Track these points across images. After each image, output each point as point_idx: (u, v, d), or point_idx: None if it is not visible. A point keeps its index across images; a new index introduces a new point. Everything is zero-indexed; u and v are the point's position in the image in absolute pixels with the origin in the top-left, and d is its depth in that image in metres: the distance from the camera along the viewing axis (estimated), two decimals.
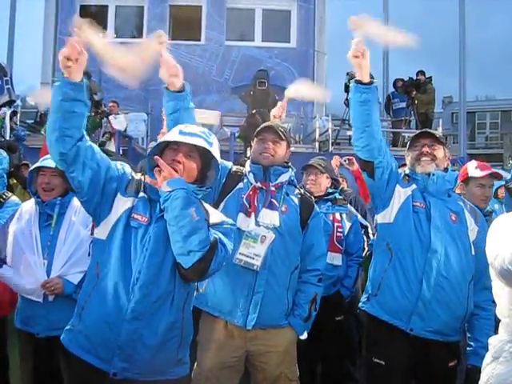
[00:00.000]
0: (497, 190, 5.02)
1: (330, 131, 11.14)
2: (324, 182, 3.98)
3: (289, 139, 2.96)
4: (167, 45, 2.38)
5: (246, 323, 2.69)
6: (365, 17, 2.52)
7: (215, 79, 13.07)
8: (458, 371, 2.81)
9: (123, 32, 13.51)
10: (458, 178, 3.35)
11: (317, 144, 11.21)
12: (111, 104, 10.27)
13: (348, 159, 5.32)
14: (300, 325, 2.82)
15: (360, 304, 2.93)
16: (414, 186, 2.84)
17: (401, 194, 2.83)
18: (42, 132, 9.64)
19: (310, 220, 2.87)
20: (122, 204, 2.13)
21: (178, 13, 13.31)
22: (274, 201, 2.78)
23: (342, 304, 3.87)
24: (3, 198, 3.52)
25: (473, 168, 3.54)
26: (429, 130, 3.10)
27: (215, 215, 2.14)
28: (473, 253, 2.76)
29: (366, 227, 4.39)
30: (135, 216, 2.11)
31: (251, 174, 2.84)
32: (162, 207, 2.03)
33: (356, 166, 5.10)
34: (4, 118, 9.02)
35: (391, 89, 12.57)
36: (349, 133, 11.15)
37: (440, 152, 2.86)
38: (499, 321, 2.10)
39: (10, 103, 9.28)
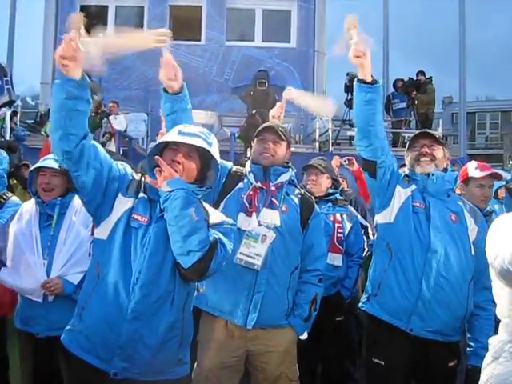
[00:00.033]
0: (497, 190, 5.02)
1: (330, 131, 11.12)
2: (324, 183, 3.98)
3: (289, 139, 2.96)
4: (168, 46, 2.37)
5: (246, 323, 2.69)
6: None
7: (215, 79, 13.07)
8: (457, 371, 2.81)
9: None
10: (458, 178, 3.35)
11: (317, 144, 11.20)
12: (111, 104, 10.27)
13: (348, 159, 5.33)
14: (300, 325, 2.82)
15: (360, 304, 2.93)
16: (413, 187, 2.85)
17: (401, 195, 2.83)
18: (42, 132, 9.65)
19: (311, 220, 2.87)
20: (123, 204, 2.13)
21: (178, 13, 13.31)
22: (274, 200, 2.78)
23: (342, 305, 3.88)
24: (4, 199, 3.52)
25: (473, 168, 3.54)
26: (428, 131, 3.10)
27: (215, 215, 2.14)
28: (472, 253, 2.76)
29: (365, 227, 4.39)
30: (135, 216, 2.11)
31: (251, 174, 2.84)
32: (161, 207, 2.04)
33: (356, 167, 5.11)
34: (4, 119, 9.02)
35: (391, 89, 12.55)
36: (349, 133, 11.17)
37: (439, 152, 2.86)
38: (499, 321, 2.10)
39: (10, 103, 9.29)
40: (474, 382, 2.16)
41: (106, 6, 13.30)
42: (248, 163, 2.91)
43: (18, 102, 10.36)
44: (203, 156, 2.15)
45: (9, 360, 3.24)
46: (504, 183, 5.29)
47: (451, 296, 2.69)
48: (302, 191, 2.99)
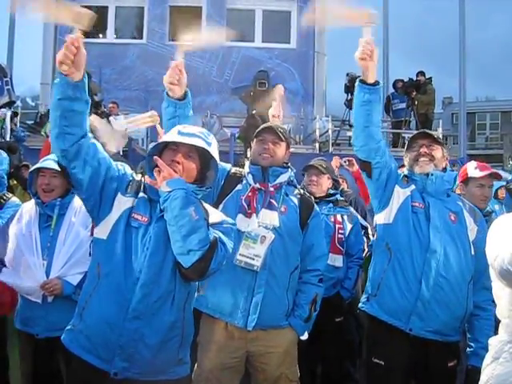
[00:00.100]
0: (497, 190, 5.03)
1: (330, 132, 11.13)
2: (325, 183, 3.98)
3: (288, 140, 2.96)
4: (183, 54, 2.39)
5: (246, 324, 2.69)
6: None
7: (215, 80, 13.06)
8: (457, 371, 2.81)
9: (123, 33, 13.52)
10: (458, 178, 3.35)
11: (317, 145, 11.20)
12: (111, 105, 10.26)
13: (348, 160, 5.34)
14: (300, 325, 2.82)
15: (360, 304, 2.94)
16: (412, 187, 2.85)
17: (400, 195, 2.84)
18: (42, 133, 9.65)
19: (310, 220, 2.87)
20: (123, 204, 2.13)
21: (178, 13, 13.30)
22: (273, 201, 2.79)
23: (342, 305, 3.88)
24: (4, 199, 3.53)
25: (472, 168, 3.54)
26: (426, 131, 3.10)
27: (215, 214, 2.15)
28: (472, 253, 2.76)
29: (365, 228, 4.39)
30: (135, 216, 2.12)
31: (250, 175, 2.84)
32: (161, 207, 2.04)
33: (356, 167, 5.11)
34: (4, 119, 9.02)
35: (391, 90, 12.55)
36: (349, 133, 11.14)
37: (438, 152, 2.86)
38: (499, 321, 2.10)
39: (9, 104, 9.29)
40: (474, 383, 2.16)
41: (106, 7, 13.30)
42: (247, 164, 2.91)
43: (18, 103, 10.36)
44: (203, 156, 2.15)
45: (9, 360, 3.25)
46: (504, 183, 5.30)
47: (451, 296, 2.69)
48: (302, 191, 2.99)
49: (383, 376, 2.74)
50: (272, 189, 2.81)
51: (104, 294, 2.06)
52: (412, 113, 11.69)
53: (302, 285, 2.86)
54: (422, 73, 11.98)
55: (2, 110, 9.07)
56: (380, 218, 2.90)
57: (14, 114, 9.57)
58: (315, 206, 2.96)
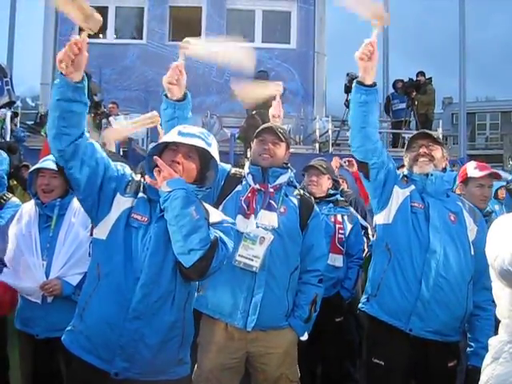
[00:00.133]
0: (497, 190, 5.04)
1: (330, 132, 11.13)
2: (325, 183, 3.98)
3: (288, 140, 2.96)
4: (185, 55, 2.40)
5: (246, 325, 2.69)
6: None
7: (215, 80, 13.06)
8: (457, 371, 2.81)
9: (123, 33, 13.53)
10: (458, 178, 3.35)
11: (317, 145, 11.20)
12: (111, 105, 10.26)
13: (348, 161, 5.34)
14: (300, 326, 2.82)
15: (360, 305, 2.93)
16: (412, 187, 2.85)
17: (399, 195, 2.84)
18: (42, 133, 9.65)
19: (310, 221, 2.87)
20: (122, 204, 2.13)
21: (178, 14, 13.31)
22: (272, 202, 2.78)
23: (342, 305, 3.88)
24: (4, 200, 3.52)
25: (472, 168, 3.55)
26: (426, 131, 3.11)
27: (215, 214, 2.15)
28: (472, 253, 2.76)
29: (365, 228, 4.39)
30: (135, 216, 2.12)
31: (250, 176, 2.84)
32: (162, 207, 2.04)
33: (355, 168, 5.11)
34: (4, 120, 9.02)
35: (391, 90, 12.55)
36: (349, 134, 11.14)
37: (438, 152, 2.86)
38: (499, 321, 2.10)
39: (10, 104, 9.29)
40: (474, 383, 2.16)
41: (106, 7, 13.30)
42: (247, 164, 2.91)
43: (18, 103, 10.35)
44: (203, 156, 2.15)
45: (9, 360, 3.25)
46: (504, 183, 5.31)
47: (450, 296, 2.69)
48: (302, 192, 2.99)
49: (383, 376, 2.74)
50: (272, 190, 2.81)
51: (104, 294, 2.05)
52: (412, 113, 11.68)
53: (302, 285, 2.85)
54: (421, 73, 11.97)
55: (2, 110, 9.07)
56: (379, 219, 2.90)
57: (14, 115, 9.57)
58: (315, 206, 2.95)
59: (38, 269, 2.83)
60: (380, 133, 11.12)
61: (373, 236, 3.96)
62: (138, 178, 2.23)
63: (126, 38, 13.49)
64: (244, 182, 2.83)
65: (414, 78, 11.87)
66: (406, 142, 3.02)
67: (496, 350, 2.02)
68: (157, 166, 2.03)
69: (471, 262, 2.75)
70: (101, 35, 12.90)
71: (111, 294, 2.04)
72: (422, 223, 2.76)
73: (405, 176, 2.90)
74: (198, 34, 13.24)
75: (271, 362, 2.76)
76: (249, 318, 2.69)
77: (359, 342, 3.84)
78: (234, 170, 2.89)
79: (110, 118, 9.87)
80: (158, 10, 13.22)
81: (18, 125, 9.87)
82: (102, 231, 2.13)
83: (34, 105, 14.21)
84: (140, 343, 2.04)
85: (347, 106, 10.76)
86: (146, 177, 2.15)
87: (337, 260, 3.84)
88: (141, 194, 2.16)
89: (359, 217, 4.27)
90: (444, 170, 2.88)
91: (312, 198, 3.04)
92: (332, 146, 10.97)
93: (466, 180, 3.53)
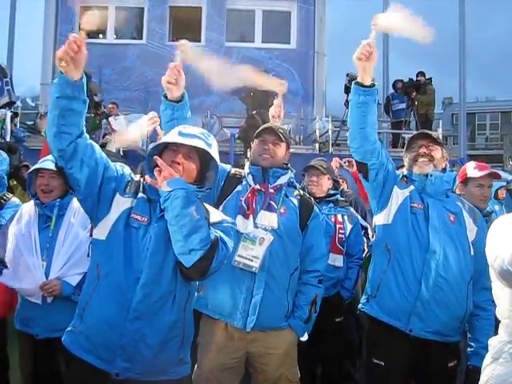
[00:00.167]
0: (497, 190, 5.04)
1: (330, 132, 11.14)
2: (326, 183, 3.98)
3: (288, 141, 2.96)
4: (181, 56, 2.40)
5: (245, 325, 2.69)
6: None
7: None
8: (457, 371, 2.81)
9: (123, 33, 13.52)
10: (457, 178, 3.35)
11: (317, 145, 11.21)
12: (111, 105, 10.27)
13: (348, 161, 5.34)
14: (300, 326, 2.82)
15: (359, 305, 2.93)
16: (411, 187, 2.85)
17: (398, 196, 2.83)
18: (42, 133, 9.65)
19: (310, 221, 2.86)
20: (121, 204, 2.13)
21: (178, 14, 13.32)
22: (272, 203, 2.78)
23: (342, 305, 3.88)
24: (4, 200, 3.52)
25: (471, 168, 3.55)
26: (426, 131, 3.10)
27: (215, 214, 2.15)
28: (472, 253, 2.76)
29: (365, 228, 4.39)
30: (134, 216, 2.12)
31: (250, 176, 2.84)
32: (162, 207, 2.04)
33: (355, 168, 5.10)
34: (4, 120, 9.02)
35: (391, 90, 12.56)
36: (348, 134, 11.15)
37: (437, 153, 2.86)
38: (499, 321, 2.10)
39: (10, 104, 9.29)
40: (474, 383, 2.16)
41: (106, 7, 13.31)
42: (247, 164, 2.91)
43: (18, 103, 10.36)
44: (203, 157, 2.15)
45: (9, 360, 3.25)
46: (504, 184, 5.31)
47: (450, 296, 2.69)
48: (302, 192, 2.99)
49: (383, 377, 2.74)
50: (272, 190, 2.81)
51: (104, 294, 2.05)
52: (412, 113, 11.69)
53: (302, 286, 2.85)
54: (421, 73, 11.97)
55: (2, 110, 9.07)
56: (379, 219, 2.89)
57: (14, 115, 9.57)
58: (315, 207, 2.95)
59: (37, 269, 2.83)
60: (380, 133, 11.15)
61: (372, 236, 3.97)
62: (137, 178, 2.23)
63: (125, 38, 13.49)
64: (244, 183, 2.83)
65: (414, 78, 11.88)
66: (406, 143, 3.01)
67: (496, 350, 2.02)
68: (157, 165, 2.03)
69: (471, 263, 2.75)
70: (101, 35, 12.91)
71: (111, 294, 2.04)
72: (421, 224, 2.76)
73: (404, 176, 2.90)
74: (198, 34, 13.27)
75: (271, 362, 2.76)
76: (248, 318, 2.68)
77: (359, 342, 3.84)
78: (233, 171, 2.88)
79: (110, 119, 9.88)
80: (157, 10, 13.23)
81: (18, 125, 9.87)
82: (102, 231, 2.13)
83: (34, 105, 14.21)
84: (141, 343, 2.04)
85: (347, 106, 10.77)
86: (147, 177, 2.14)
87: (337, 260, 3.84)
88: (140, 195, 2.16)
89: (359, 217, 4.27)
90: (444, 170, 2.87)
91: (312, 199, 3.04)
92: (332, 146, 10.97)
93: (466, 180, 3.53)
